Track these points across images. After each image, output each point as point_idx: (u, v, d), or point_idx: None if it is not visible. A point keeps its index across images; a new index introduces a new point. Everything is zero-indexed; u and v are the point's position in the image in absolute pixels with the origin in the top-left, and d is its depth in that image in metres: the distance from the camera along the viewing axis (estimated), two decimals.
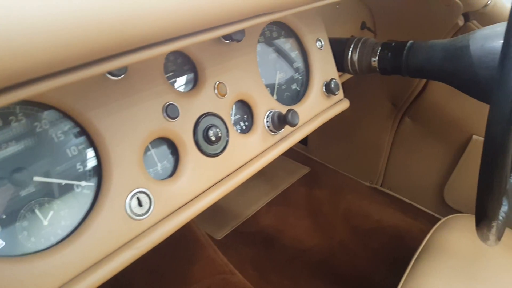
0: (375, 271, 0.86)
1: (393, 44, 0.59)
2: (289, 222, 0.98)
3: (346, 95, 1.09)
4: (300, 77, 0.56)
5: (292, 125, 0.46)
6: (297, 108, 0.53)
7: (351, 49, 0.62)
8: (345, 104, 0.61)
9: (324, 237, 0.94)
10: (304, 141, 1.27)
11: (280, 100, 0.52)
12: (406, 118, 0.99)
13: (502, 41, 0.47)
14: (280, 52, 0.54)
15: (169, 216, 0.36)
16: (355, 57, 0.62)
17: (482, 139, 0.86)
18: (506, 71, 0.33)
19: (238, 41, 0.43)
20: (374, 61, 0.61)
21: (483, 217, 0.41)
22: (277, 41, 0.53)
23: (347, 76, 0.81)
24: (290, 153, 1.25)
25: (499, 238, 0.51)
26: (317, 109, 0.56)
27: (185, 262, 0.69)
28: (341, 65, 0.64)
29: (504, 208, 0.60)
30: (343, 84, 1.07)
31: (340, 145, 1.17)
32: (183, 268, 0.69)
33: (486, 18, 0.74)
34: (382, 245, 0.92)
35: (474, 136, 0.87)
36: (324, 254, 0.90)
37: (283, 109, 0.49)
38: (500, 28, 0.49)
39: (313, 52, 0.56)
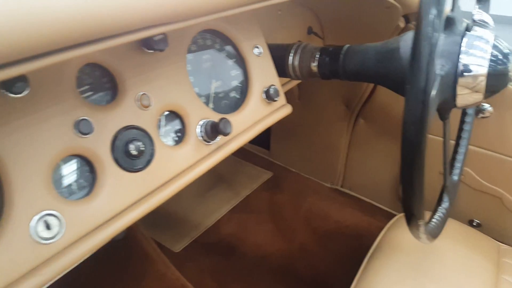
0: (334, 271, 0.87)
1: (330, 49, 0.60)
2: (250, 229, 0.97)
3: (302, 99, 1.10)
4: (239, 85, 0.56)
5: (225, 134, 0.46)
6: (236, 115, 0.53)
7: (291, 54, 0.62)
8: (286, 110, 0.61)
9: (285, 241, 0.94)
10: (266, 146, 1.27)
11: (217, 109, 0.51)
12: (360, 119, 1.01)
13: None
14: (215, 60, 0.53)
15: (84, 238, 0.34)
16: (296, 63, 0.62)
17: (431, 137, 0.89)
18: (415, 74, 0.33)
19: (161, 50, 0.41)
20: (314, 66, 0.61)
21: (411, 217, 0.42)
22: (211, 49, 0.53)
23: (295, 82, 0.82)
24: (252, 159, 1.25)
25: (433, 235, 0.52)
26: (257, 116, 0.56)
27: (132, 280, 0.67)
28: (283, 71, 0.64)
29: (445, 205, 0.62)
30: (299, 88, 1.08)
31: (301, 148, 1.17)
32: (130, 286, 0.66)
33: None
34: (341, 245, 0.93)
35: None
36: (285, 259, 0.90)
37: (220, 118, 0.49)
38: None
39: (250, 59, 0.56)
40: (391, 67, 0.52)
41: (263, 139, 1.25)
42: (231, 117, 0.51)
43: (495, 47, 0.46)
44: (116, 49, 0.39)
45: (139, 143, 0.39)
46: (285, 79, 0.75)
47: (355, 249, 0.94)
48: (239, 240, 0.94)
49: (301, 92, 1.07)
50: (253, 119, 0.55)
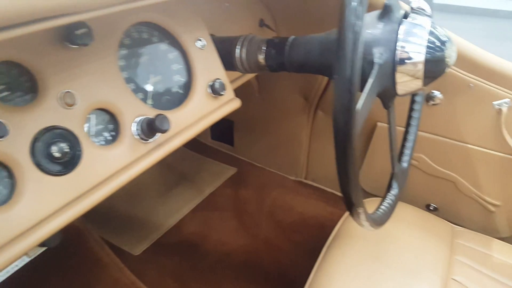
0: (297, 262, 0.87)
1: (276, 40, 0.59)
2: (214, 226, 0.96)
3: (262, 93, 1.09)
4: (182, 79, 0.54)
5: (162, 131, 0.44)
6: (179, 111, 0.51)
7: (238, 47, 0.61)
8: (235, 104, 0.60)
9: (249, 236, 0.94)
10: (230, 142, 1.25)
11: (158, 105, 0.49)
12: (319, 111, 1.01)
13: (369, 31, 0.49)
14: (154, 54, 0.51)
15: (4, 247, 0.32)
16: (244, 56, 0.61)
17: (386, 125, 0.90)
18: (340, 63, 0.33)
19: (86, 45, 0.39)
20: (262, 58, 0.60)
21: (350, 205, 0.42)
22: (149, 43, 0.50)
23: (250, 75, 0.81)
24: (216, 155, 1.24)
25: (380, 222, 0.53)
26: (202, 111, 0.54)
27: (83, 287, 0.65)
28: (231, 64, 0.62)
29: (394, 191, 0.63)
30: (258, 82, 1.07)
31: (264, 142, 1.17)
32: None
33: (370, 8, 0.77)
34: (305, 236, 0.93)
35: (379, 123, 0.90)
36: (249, 254, 0.89)
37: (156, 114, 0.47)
38: (366, 19, 0.50)
39: (193, 52, 0.54)
40: (333, 57, 0.51)
41: (227, 135, 1.23)
42: (173, 113, 0.50)
43: (431, 33, 0.47)
44: (35, 45, 0.37)
45: (63, 145, 0.36)
46: (238, 73, 0.73)
47: (318, 239, 0.95)
48: (202, 239, 0.93)
49: (260, 86, 1.06)
50: (197, 114, 0.53)
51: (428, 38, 0.46)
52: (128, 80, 0.46)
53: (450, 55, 0.48)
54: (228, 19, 0.72)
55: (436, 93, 0.79)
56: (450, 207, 0.89)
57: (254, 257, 0.88)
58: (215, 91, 0.54)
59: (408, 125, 0.70)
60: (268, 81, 1.03)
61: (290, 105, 1.03)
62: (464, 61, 0.73)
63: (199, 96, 0.53)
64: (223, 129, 1.22)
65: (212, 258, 0.88)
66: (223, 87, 0.55)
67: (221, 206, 1.03)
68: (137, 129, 0.44)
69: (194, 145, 1.27)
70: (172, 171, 1.13)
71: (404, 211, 0.83)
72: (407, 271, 0.68)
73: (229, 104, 0.58)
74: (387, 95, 0.51)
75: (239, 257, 0.88)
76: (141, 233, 0.93)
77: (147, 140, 0.45)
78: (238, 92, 0.67)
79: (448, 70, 0.49)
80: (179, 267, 0.85)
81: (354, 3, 0.31)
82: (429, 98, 0.80)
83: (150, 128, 0.44)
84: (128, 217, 0.96)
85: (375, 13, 0.48)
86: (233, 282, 0.82)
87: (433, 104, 0.80)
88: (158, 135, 0.46)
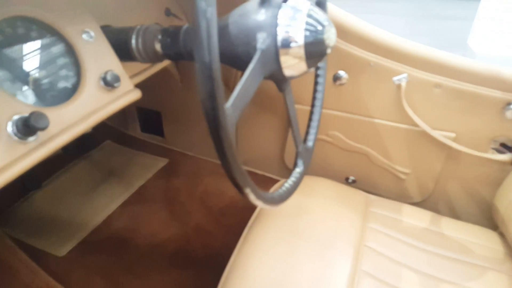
0: (228, 246, 0.89)
1: (171, 29, 0.58)
2: (144, 219, 0.96)
3: (184, 82, 1.08)
4: (70, 74, 0.52)
5: (38, 128, 0.43)
6: (66, 107, 0.50)
7: (134, 38, 0.60)
8: (134, 95, 0.59)
9: (180, 225, 0.94)
10: (160, 133, 1.24)
11: (41, 102, 0.48)
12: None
13: (252, 17, 0.50)
14: (34, 50, 0.49)
15: None
16: (140, 46, 0.60)
17: (302, 106, 0.94)
18: (198, 50, 0.33)
19: None
20: (159, 48, 0.60)
21: (238, 187, 0.43)
22: (27, 38, 0.48)
23: (161, 65, 0.79)
24: (147, 148, 1.22)
25: (276, 200, 0.54)
26: (94, 105, 0.53)
27: None
28: (129, 55, 0.61)
29: (299, 169, 0.66)
30: (179, 71, 1.06)
31: (194, 131, 1.17)
32: None
33: None
34: (236, 219, 0.96)
35: (295, 105, 0.94)
36: (179, 242, 0.90)
37: (40, 111, 0.45)
38: (250, 5, 0.51)
39: (80, 45, 0.52)
40: (224, 44, 0.52)
41: (156, 127, 1.22)
42: (59, 109, 0.48)
43: (310, 16, 0.49)
44: None
45: None
46: (145, 64, 0.72)
47: (247, 220, 0.98)
48: (131, 233, 0.92)
49: (182, 75, 1.05)
50: (88, 108, 0.52)
51: (307, 21, 0.48)
52: (1, 79, 0.43)
53: (329, 37, 0.50)
54: (131, 10, 0.70)
55: (342, 73, 0.83)
56: (366, 178, 0.96)
57: (185, 245, 0.90)
58: (108, 83, 0.53)
59: (312, 105, 0.73)
60: (189, 69, 1.03)
61: None
62: (364, 41, 0.78)
63: (90, 90, 0.52)
64: (151, 121, 1.20)
65: (141, 250, 0.88)
66: (116, 78, 0.54)
67: (151, 198, 1.02)
68: (13, 129, 0.43)
69: (123, 139, 1.24)
70: (99, 168, 1.10)
71: (322, 185, 0.88)
72: (322, 242, 0.72)
73: (126, 95, 0.58)
74: (277, 78, 0.53)
75: (169, 247, 0.89)
76: (66, 234, 0.90)
77: (27, 139, 0.44)
78: (160, 82, 0.66)
79: (329, 51, 0.52)
80: (107, 264, 0.84)
81: None
82: (336, 78, 0.84)
83: (25, 127, 0.42)
84: (52, 218, 0.93)
85: (256, 1, 0.50)
86: (163, 271, 0.83)
87: (340, 84, 0.85)
88: (40, 132, 0.45)
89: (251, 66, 0.43)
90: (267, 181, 1.09)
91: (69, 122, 0.49)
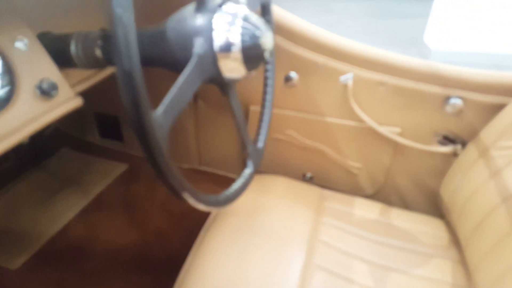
0: (188, 247, 0.90)
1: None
2: (102, 226, 0.94)
3: (147, 85, 1.06)
4: (4, 83, 0.51)
5: None
6: (1, 116, 0.49)
7: (73, 43, 0.59)
8: (75, 103, 0.58)
9: (139, 231, 0.94)
10: (119, 138, 1.22)
11: None
12: (199, 100, 1.03)
13: (188, 22, 0.50)
14: None
15: None
16: (80, 52, 0.59)
17: (258, 108, 0.96)
18: (117, 58, 0.32)
19: None
20: (99, 53, 0.59)
21: (176, 194, 0.44)
22: None
23: (108, 71, 0.78)
24: (107, 153, 1.19)
25: (218, 204, 0.55)
26: (30, 114, 0.52)
27: None
28: (69, 61, 0.60)
29: (249, 170, 0.68)
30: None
31: None
32: None
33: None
34: (197, 221, 0.96)
35: (251, 106, 0.96)
36: (139, 248, 0.89)
37: None
38: (186, 11, 0.52)
39: (12, 53, 0.51)
40: (164, 49, 0.53)
41: (115, 132, 1.20)
42: None
43: (246, 20, 0.50)
44: None
45: None
46: (91, 71, 0.71)
47: None
48: (89, 241, 0.90)
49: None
50: (23, 118, 0.51)
51: (243, 25, 0.49)
52: None
53: (266, 41, 0.52)
54: (76, 16, 0.69)
55: (293, 74, 0.86)
56: (322, 174, 0.99)
57: (145, 250, 0.89)
58: (44, 92, 0.52)
59: (262, 106, 0.75)
60: (146, 72, 1.02)
61: None
62: (310, 43, 0.80)
63: (25, 99, 0.51)
64: (110, 126, 1.18)
65: (100, 258, 0.86)
66: (53, 86, 0.54)
67: (110, 205, 1.01)
68: None
69: (81, 145, 1.21)
70: (55, 176, 1.07)
71: (278, 183, 0.90)
72: (276, 239, 0.74)
73: (66, 104, 0.57)
74: (218, 83, 0.55)
75: (129, 253, 0.88)
76: (19, 245, 0.87)
77: None
78: (116, 87, 0.64)
79: (267, 55, 0.54)
80: (64, 274, 0.82)
81: None
82: (287, 79, 0.87)
83: None
84: (4, 229, 0.89)
85: (193, 5, 0.51)
86: (123, 277, 0.82)
87: (292, 85, 0.87)
88: None
89: (186, 71, 0.44)
90: (229, 182, 1.09)
91: (3, 132, 0.48)
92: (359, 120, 0.85)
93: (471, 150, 0.75)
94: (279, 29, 0.79)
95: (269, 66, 0.74)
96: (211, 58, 0.49)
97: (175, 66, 0.54)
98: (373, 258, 0.73)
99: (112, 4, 0.31)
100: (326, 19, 4.14)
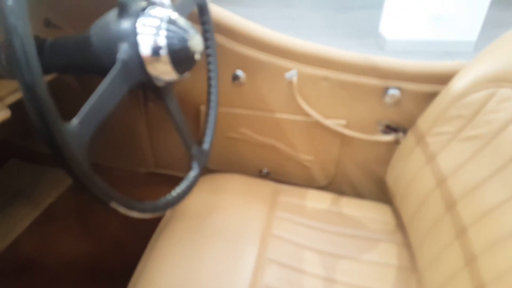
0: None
1: (36, 42, 0.56)
2: (54, 238, 0.91)
3: (85, 91, 1.03)
4: None
5: None
6: None
7: None
8: (2, 115, 0.56)
9: (94, 240, 0.92)
10: None
11: None
12: (150, 103, 1.02)
13: (112, 28, 0.49)
14: None
15: None
16: (3, 61, 0.57)
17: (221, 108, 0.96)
18: (16, 70, 0.30)
19: None
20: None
21: (103, 204, 0.43)
22: None
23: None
24: (54, 162, 1.15)
25: (156, 209, 0.54)
26: None
27: None
28: None
29: (194, 173, 0.68)
30: (79, 82, 1.01)
31: (105, 141, 1.13)
32: None
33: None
34: (154, 227, 0.96)
35: (202, 106, 0.96)
36: (94, 257, 0.88)
37: None
38: (109, 16, 0.51)
39: None
40: (90, 56, 0.51)
41: None
42: None
43: (172, 23, 0.50)
44: None
45: None
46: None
47: None
48: (41, 255, 0.88)
49: (82, 84, 1.01)
50: None
51: (169, 29, 0.49)
52: None
53: (195, 44, 0.52)
54: None
55: (240, 72, 0.86)
56: (277, 169, 1.01)
57: (100, 258, 0.88)
58: None
59: (207, 107, 0.75)
60: (90, 78, 0.99)
61: (123, 100, 1.02)
62: (253, 41, 0.81)
63: None
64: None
65: (53, 271, 0.84)
66: None
67: (62, 215, 0.98)
68: None
69: (30, 155, 1.17)
70: (3, 189, 1.03)
71: (232, 181, 0.91)
72: (229, 237, 0.75)
73: None
74: (151, 87, 0.54)
75: (83, 264, 0.86)
76: None
77: None
78: (60, 95, 0.62)
79: (198, 57, 0.54)
80: None
81: (9, 2, 0.29)
82: (234, 78, 0.87)
83: None
84: None
85: (116, 10, 0.50)
86: None
87: (240, 83, 0.88)
88: None
89: (108, 78, 0.43)
90: None
91: None
92: (307, 114, 0.87)
93: (410, 138, 0.79)
94: (220, 29, 0.79)
95: (211, 66, 0.74)
96: (138, 63, 0.48)
97: (103, 73, 0.53)
98: (324, 247, 0.75)
99: (5, 12, 0.29)
100: (286, 13, 4.18)
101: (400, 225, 0.82)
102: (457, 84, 0.69)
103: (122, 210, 0.46)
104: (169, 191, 1.08)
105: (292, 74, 0.83)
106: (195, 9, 0.69)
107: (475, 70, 0.66)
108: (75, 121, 0.37)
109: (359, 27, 3.77)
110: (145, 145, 1.08)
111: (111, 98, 0.43)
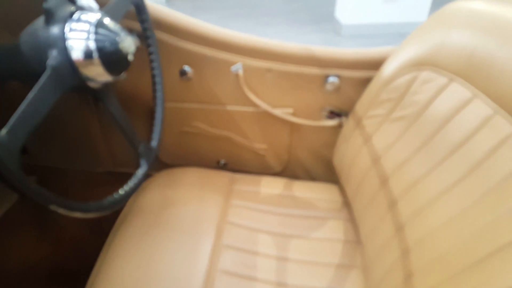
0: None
1: None
2: (12, 246, 0.91)
3: None
4: None
5: None
6: None
7: None
8: None
9: (54, 242, 0.92)
10: (22, 150, 1.16)
11: None
12: (100, 103, 1.01)
13: (40, 35, 0.50)
14: None
15: None
16: None
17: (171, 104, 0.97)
18: None
19: None
20: None
21: (44, 207, 0.45)
22: None
23: None
24: None
25: (101, 208, 0.55)
26: None
27: None
28: None
29: (142, 170, 0.70)
30: (30, 85, 0.99)
31: (59, 143, 1.12)
32: None
33: None
34: (113, 222, 0.97)
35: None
36: (54, 260, 0.88)
37: None
38: (37, 23, 0.51)
39: None
40: (21, 64, 0.52)
41: None
42: None
43: (101, 27, 0.51)
44: None
45: None
46: None
47: None
48: None
49: (28, 88, 0.99)
50: None
51: (98, 32, 0.50)
52: None
53: (126, 45, 0.54)
54: None
55: (187, 68, 0.88)
56: (234, 160, 1.04)
57: (61, 260, 0.88)
58: None
59: (154, 104, 0.77)
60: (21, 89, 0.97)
61: (70, 102, 1.01)
62: (195, 37, 0.83)
63: None
64: None
65: (11, 279, 0.84)
66: None
67: (19, 222, 0.97)
68: None
69: None
70: None
71: (188, 175, 0.93)
72: (186, 229, 0.78)
73: None
74: (88, 90, 0.55)
75: (43, 267, 0.86)
76: None
77: None
78: (10, 99, 0.61)
79: (131, 57, 0.56)
80: None
81: None
82: (182, 73, 0.89)
83: None
84: None
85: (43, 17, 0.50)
86: None
87: (188, 78, 0.90)
88: None
89: (37, 86, 0.44)
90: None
91: None
92: (255, 105, 0.91)
93: (350, 121, 0.85)
94: (160, 26, 0.81)
95: (154, 64, 0.75)
96: (69, 68, 0.49)
97: (35, 80, 0.54)
98: (277, 229, 0.80)
99: None
100: (245, 2, 4.17)
101: (346, 202, 0.88)
102: (386, 70, 0.74)
103: (62, 211, 0.47)
104: (121, 187, 1.09)
105: (238, 67, 0.86)
106: (133, 9, 0.70)
107: (401, 55, 0.72)
108: (3, 131, 0.38)
109: (316, 13, 3.84)
110: (100, 145, 1.08)
111: (43, 105, 0.44)
